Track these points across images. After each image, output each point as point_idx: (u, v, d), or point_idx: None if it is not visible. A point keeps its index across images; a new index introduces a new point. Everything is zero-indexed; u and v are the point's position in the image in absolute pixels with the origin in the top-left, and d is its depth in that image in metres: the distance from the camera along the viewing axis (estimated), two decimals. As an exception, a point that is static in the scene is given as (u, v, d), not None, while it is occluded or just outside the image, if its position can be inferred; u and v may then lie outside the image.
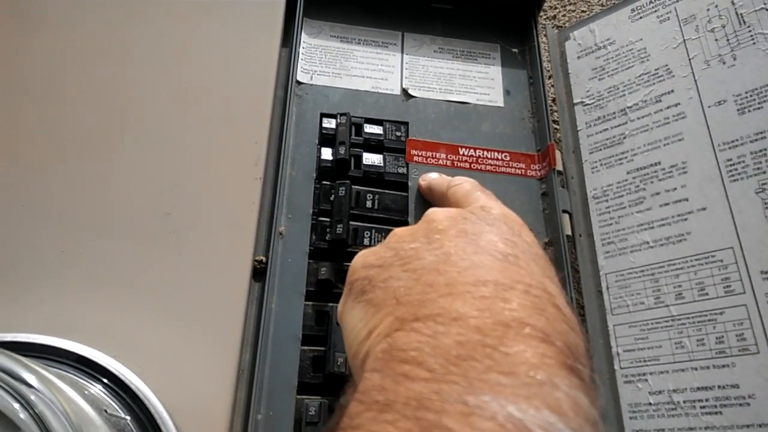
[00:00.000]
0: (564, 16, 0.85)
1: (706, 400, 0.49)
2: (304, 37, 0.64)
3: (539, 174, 0.60)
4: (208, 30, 0.60)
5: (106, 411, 0.40)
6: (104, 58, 0.56)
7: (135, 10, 0.59)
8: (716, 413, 0.48)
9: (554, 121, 0.69)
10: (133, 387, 0.42)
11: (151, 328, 0.47)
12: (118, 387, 0.43)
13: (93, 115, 0.53)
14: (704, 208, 0.54)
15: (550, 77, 0.70)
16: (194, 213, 0.51)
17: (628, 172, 0.60)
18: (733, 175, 0.53)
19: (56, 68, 0.55)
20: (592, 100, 0.64)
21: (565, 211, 0.58)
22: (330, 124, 0.59)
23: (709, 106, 0.56)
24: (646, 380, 0.52)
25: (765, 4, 0.56)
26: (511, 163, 0.60)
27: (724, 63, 0.57)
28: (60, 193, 0.50)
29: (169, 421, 0.43)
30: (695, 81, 0.58)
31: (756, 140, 0.53)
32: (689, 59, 0.59)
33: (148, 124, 0.54)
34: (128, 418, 0.41)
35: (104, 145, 0.52)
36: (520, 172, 0.60)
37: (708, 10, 0.59)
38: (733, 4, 0.58)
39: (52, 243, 0.48)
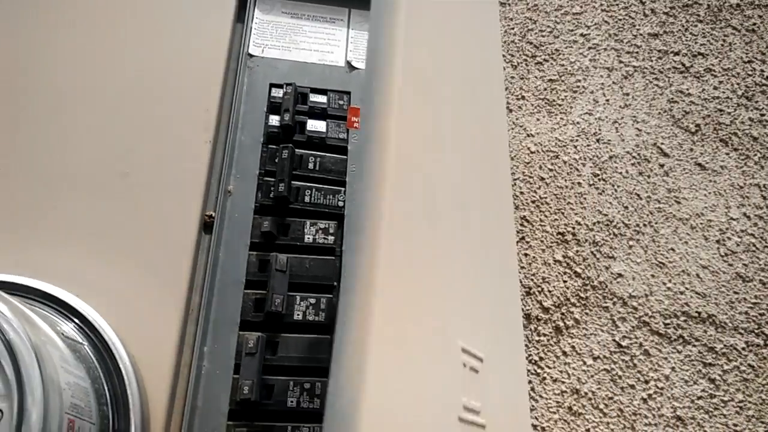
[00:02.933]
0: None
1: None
2: (257, 13, 0.69)
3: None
4: (168, 6, 0.65)
5: (66, 336, 0.47)
6: (66, 30, 0.62)
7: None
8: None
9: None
10: (91, 319, 0.49)
11: (110, 271, 0.54)
12: (79, 319, 0.50)
13: (58, 85, 0.60)
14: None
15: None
16: (150, 173, 0.58)
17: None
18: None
19: (22, 39, 0.61)
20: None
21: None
22: (278, 93, 0.65)
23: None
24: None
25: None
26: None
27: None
28: (31, 155, 0.56)
29: (122, 350, 0.50)
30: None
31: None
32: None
33: (108, 92, 0.60)
34: (85, 343, 0.48)
35: (69, 112, 0.59)
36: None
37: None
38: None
39: (24, 198, 0.55)
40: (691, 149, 0.82)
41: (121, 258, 0.55)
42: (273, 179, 0.61)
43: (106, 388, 0.49)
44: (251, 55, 0.67)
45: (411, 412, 0.38)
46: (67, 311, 0.50)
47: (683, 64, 0.88)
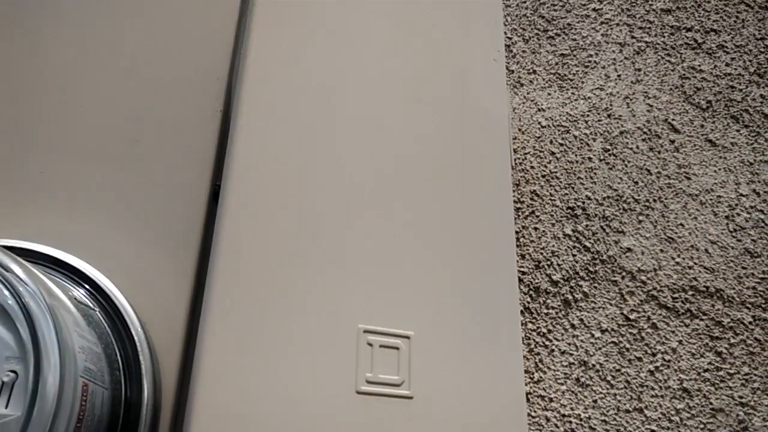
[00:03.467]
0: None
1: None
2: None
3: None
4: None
5: (78, 302, 0.47)
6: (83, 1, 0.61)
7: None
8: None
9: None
10: (102, 285, 0.49)
11: (121, 239, 0.53)
12: (90, 285, 0.50)
13: (71, 51, 0.59)
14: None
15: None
16: (160, 141, 0.57)
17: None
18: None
19: (38, 12, 0.60)
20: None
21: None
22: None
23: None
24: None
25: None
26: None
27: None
28: (42, 122, 0.56)
29: (134, 316, 0.50)
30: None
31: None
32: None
33: (119, 59, 0.59)
34: (97, 309, 0.48)
35: (81, 79, 0.58)
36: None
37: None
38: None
39: (34, 165, 0.54)
40: (702, 125, 0.82)
41: (131, 225, 0.55)
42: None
43: (118, 354, 0.49)
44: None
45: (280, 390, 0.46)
46: (78, 277, 0.50)
47: (695, 41, 0.87)
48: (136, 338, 0.50)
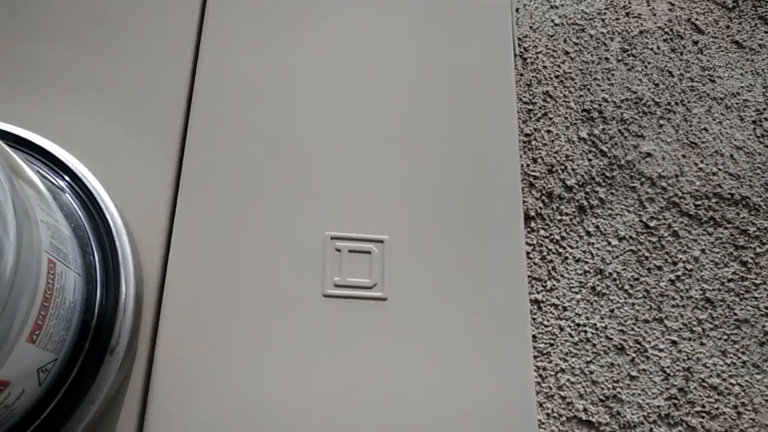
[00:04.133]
0: None
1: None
2: None
3: None
4: None
5: (45, 179, 0.42)
6: None
7: None
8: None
9: None
10: (73, 168, 0.44)
11: (96, 123, 0.48)
12: (59, 167, 0.45)
13: None
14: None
15: None
16: (134, 19, 0.51)
17: None
18: None
19: None
20: None
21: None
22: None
23: None
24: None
25: None
26: None
27: None
28: (13, 3, 0.50)
29: (110, 202, 0.45)
30: None
31: None
32: None
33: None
34: (67, 191, 0.43)
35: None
36: None
37: None
38: None
39: (4, 47, 0.49)
40: (728, 26, 0.75)
41: (107, 110, 0.49)
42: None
43: (91, 238, 0.44)
44: None
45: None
46: (47, 159, 0.45)
47: (721, -64, 0.80)
48: (112, 224, 0.45)
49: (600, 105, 0.69)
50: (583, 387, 0.58)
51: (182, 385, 0.44)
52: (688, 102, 0.71)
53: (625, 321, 0.61)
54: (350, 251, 0.50)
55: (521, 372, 0.53)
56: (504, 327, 0.53)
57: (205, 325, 0.44)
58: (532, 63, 0.69)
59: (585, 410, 0.57)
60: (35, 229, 0.37)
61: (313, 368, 0.46)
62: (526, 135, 0.65)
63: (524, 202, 0.59)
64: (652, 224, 0.66)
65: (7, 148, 0.39)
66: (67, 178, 0.45)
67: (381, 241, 0.50)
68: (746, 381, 0.62)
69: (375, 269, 0.49)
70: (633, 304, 0.62)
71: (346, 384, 0.46)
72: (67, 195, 0.44)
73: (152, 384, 0.44)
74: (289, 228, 0.49)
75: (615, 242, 0.64)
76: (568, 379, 0.58)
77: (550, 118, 0.68)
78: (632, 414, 0.58)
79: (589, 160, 0.67)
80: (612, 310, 0.62)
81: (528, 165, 0.64)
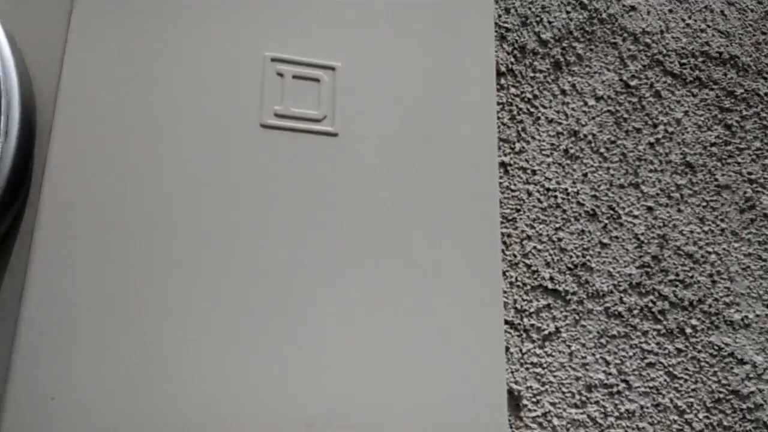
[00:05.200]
0: None
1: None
2: None
3: None
4: None
5: None
6: None
7: None
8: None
9: None
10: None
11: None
12: None
13: None
14: None
15: None
16: None
17: None
18: None
19: None
20: None
21: None
22: None
23: None
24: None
25: None
26: None
27: None
28: None
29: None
30: None
31: None
32: None
33: None
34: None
35: None
36: None
37: None
38: None
39: None
40: None
41: None
42: None
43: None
44: None
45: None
46: None
47: None
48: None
49: (581, -50, 0.61)
50: (550, 255, 0.54)
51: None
52: (679, -50, 0.63)
53: (599, 186, 0.57)
54: (295, 77, 0.44)
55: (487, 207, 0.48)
56: (471, 175, 0.48)
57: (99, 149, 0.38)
58: None
59: (551, 279, 0.53)
60: None
61: (247, 205, 0.40)
62: (498, -19, 0.57)
63: (495, 56, 0.52)
64: (632, 83, 0.60)
65: None
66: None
67: (333, 69, 0.45)
68: (723, 249, 0.58)
69: (325, 100, 0.44)
70: (608, 168, 0.57)
71: (284, 225, 0.40)
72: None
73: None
74: (221, 47, 0.43)
75: (592, 102, 0.58)
76: (535, 247, 0.54)
77: (525, -37, 0.60)
78: (602, 283, 0.54)
79: (568, 12, 0.60)
80: (585, 175, 0.57)
81: (500, 16, 0.57)
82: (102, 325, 0.36)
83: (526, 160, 0.56)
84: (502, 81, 0.56)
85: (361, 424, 0.39)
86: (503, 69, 0.57)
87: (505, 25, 0.58)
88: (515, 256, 0.53)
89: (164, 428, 0.37)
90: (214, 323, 0.38)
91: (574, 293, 0.54)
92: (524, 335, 0.52)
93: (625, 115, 0.59)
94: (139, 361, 0.37)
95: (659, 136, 0.59)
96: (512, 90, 0.57)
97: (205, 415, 0.37)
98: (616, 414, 0.52)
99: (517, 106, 0.56)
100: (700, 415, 0.53)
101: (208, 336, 0.37)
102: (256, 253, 0.39)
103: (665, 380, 0.54)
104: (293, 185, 0.41)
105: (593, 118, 0.58)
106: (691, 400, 0.54)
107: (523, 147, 0.56)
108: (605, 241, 0.56)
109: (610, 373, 0.53)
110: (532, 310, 0.52)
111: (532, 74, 0.58)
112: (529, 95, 0.57)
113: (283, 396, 0.39)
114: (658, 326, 0.55)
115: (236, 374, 0.37)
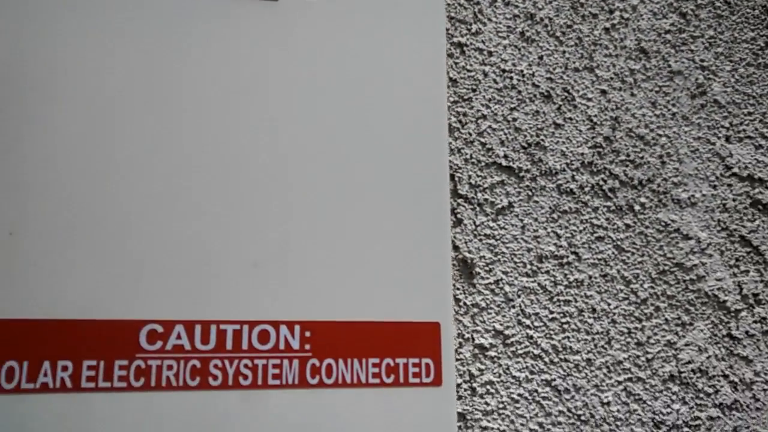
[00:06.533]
0: None
1: None
2: None
3: None
4: None
5: None
6: None
7: None
8: None
9: None
10: None
11: None
12: None
13: None
14: None
15: None
16: None
17: None
18: None
19: None
20: None
21: None
22: None
23: None
24: None
25: None
26: None
27: None
28: None
29: None
30: None
31: None
32: None
33: None
34: None
35: None
36: None
37: None
38: None
39: None
40: None
41: None
42: None
43: None
44: None
45: None
46: None
47: None
48: None
49: None
50: (504, 134, 0.55)
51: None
52: None
53: (554, 69, 0.57)
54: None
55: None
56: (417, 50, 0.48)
57: None
58: None
59: (505, 156, 0.55)
60: None
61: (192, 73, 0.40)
62: None
63: (451, -63, 0.52)
64: (590, -30, 0.60)
65: None
66: None
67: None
68: (674, 132, 0.60)
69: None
70: (564, 51, 0.58)
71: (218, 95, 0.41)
72: None
73: None
74: None
75: (549, -13, 0.59)
76: (490, 126, 0.55)
77: None
78: (554, 161, 0.56)
79: None
80: (541, 57, 0.57)
81: None
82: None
83: (483, 42, 0.56)
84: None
85: (302, 263, 0.41)
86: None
87: None
88: (470, 134, 0.54)
89: (121, 260, 0.38)
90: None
91: (527, 170, 0.55)
92: (478, 209, 0.53)
93: (582, 0, 0.59)
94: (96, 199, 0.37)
95: (615, 21, 0.60)
96: (469, -28, 0.57)
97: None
98: (566, 283, 0.54)
99: (474, -12, 0.57)
100: (645, 285, 0.56)
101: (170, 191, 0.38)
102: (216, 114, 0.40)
103: (613, 252, 0.56)
104: (238, 52, 0.41)
105: (550, 2, 0.58)
106: (638, 271, 0.56)
107: (480, 29, 0.56)
108: (559, 121, 0.57)
109: (560, 246, 0.54)
110: (486, 185, 0.54)
111: (489, -41, 0.58)
112: (486, -22, 0.57)
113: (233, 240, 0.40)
114: (608, 203, 0.56)
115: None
